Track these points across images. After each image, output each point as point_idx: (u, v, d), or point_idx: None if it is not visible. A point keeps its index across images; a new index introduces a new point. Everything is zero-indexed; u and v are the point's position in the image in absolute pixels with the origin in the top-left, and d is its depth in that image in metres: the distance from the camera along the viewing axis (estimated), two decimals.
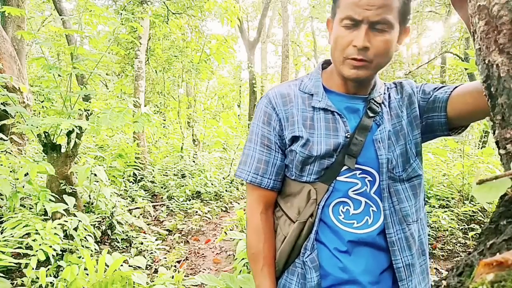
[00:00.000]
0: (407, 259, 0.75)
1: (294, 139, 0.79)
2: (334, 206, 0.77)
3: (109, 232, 3.02)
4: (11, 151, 3.16)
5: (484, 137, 5.97)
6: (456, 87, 0.76)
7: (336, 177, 0.77)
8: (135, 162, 4.31)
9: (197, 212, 4.08)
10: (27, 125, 2.30)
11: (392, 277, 0.76)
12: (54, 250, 1.92)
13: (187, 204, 4.35)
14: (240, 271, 2.11)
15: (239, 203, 4.66)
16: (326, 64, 0.88)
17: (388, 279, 0.76)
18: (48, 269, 2.03)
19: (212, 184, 5.02)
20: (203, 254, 3.11)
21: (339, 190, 0.77)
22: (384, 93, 0.83)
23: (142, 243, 2.94)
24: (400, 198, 0.76)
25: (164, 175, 5.40)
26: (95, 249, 2.42)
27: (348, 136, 0.76)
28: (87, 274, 1.74)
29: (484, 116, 0.74)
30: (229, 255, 3.08)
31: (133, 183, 4.62)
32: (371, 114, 0.78)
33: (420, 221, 0.81)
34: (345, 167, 0.76)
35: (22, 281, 1.88)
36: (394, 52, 0.75)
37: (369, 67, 0.73)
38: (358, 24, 0.70)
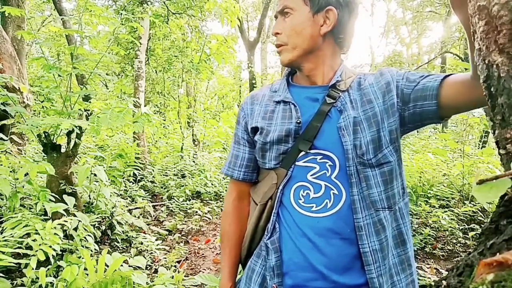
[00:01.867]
0: (374, 245, 0.75)
1: (254, 130, 0.89)
2: (295, 190, 0.81)
3: (109, 232, 3.02)
4: (11, 151, 3.16)
5: (484, 137, 5.97)
6: (446, 76, 0.75)
7: (294, 162, 0.81)
8: (135, 162, 4.30)
9: (197, 212, 4.08)
10: (27, 125, 2.29)
11: (360, 266, 0.76)
12: (54, 250, 1.92)
13: (187, 204, 4.35)
14: (240, 271, 2.11)
15: None
16: None
17: (356, 268, 0.76)
18: (48, 269, 2.03)
19: (212, 184, 5.02)
20: (203, 254, 3.11)
21: (298, 174, 0.81)
22: (353, 82, 0.84)
23: (142, 243, 2.94)
24: (370, 184, 0.77)
25: (164, 175, 5.40)
26: (95, 249, 2.42)
27: (299, 122, 0.81)
28: (87, 274, 1.74)
29: (476, 107, 0.75)
30: None
31: (133, 183, 4.62)
32: (329, 101, 0.81)
33: (399, 210, 0.81)
34: (303, 152, 0.81)
35: (22, 281, 1.87)
36: (319, 33, 0.81)
37: (287, 49, 0.83)
38: (277, 18, 0.86)
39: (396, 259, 0.79)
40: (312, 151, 0.80)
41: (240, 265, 0.99)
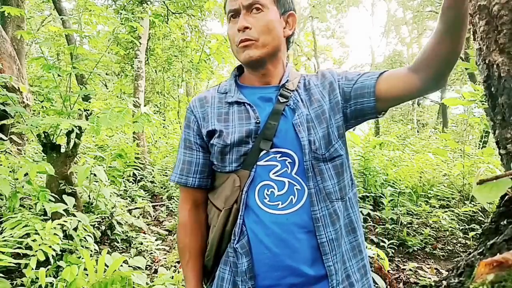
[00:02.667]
0: (330, 234, 0.79)
1: (211, 133, 0.85)
2: (259, 190, 0.81)
3: (108, 232, 3.01)
4: (11, 151, 3.16)
5: (484, 137, 5.97)
6: (382, 72, 0.83)
7: (256, 162, 0.81)
8: (135, 162, 4.30)
9: None
10: (26, 125, 2.29)
11: (320, 256, 0.79)
12: (54, 250, 1.92)
13: None
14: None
15: None
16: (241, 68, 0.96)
17: (319, 259, 0.79)
18: (48, 269, 2.02)
19: None
20: None
21: (260, 174, 0.81)
22: (299, 82, 0.89)
23: (142, 243, 2.94)
24: (324, 177, 0.81)
25: (164, 175, 5.40)
26: (94, 249, 2.42)
27: (258, 122, 0.82)
28: (87, 275, 1.74)
29: (411, 98, 0.83)
30: None
31: (133, 183, 4.62)
32: (282, 100, 0.84)
33: (349, 200, 0.86)
34: (264, 152, 0.81)
35: (22, 281, 1.87)
36: (283, 34, 0.85)
37: (257, 45, 0.81)
38: (238, 13, 0.82)
39: (347, 245, 0.84)
40: (272, 149, 0.81)
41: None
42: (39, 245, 1.89)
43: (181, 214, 0.92)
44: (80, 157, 3.77)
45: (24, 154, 3.78)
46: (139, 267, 2.24)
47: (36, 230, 1.96)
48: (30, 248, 1.90)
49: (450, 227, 3.17)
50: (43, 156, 2.87)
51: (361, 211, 3.23)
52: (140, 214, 3.75)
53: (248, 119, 0.83)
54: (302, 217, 0.78)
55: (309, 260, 0.78)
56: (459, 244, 3.05)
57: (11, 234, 1.91)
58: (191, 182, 0.88)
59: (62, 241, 2.05)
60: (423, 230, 3.20)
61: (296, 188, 0.80)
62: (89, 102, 6.38)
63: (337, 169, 0.83)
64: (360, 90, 0.83)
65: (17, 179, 2.30)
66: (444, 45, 0.72)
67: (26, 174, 2.21)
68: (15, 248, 1.89)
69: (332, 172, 0.82)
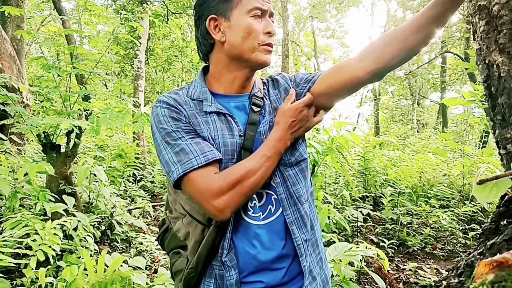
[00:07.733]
0: (304, 236, 0.82)
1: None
2: None
3: (108, 232, 3.02)
4: (11, 151, 3.16)
5: (484, 137, 5.97)
6: (320, 75, 0.85)
7: None
8: (134, 162, 4.30)
9: None
10: (26, 125, 2.29)
11: (293, 253, 0.82)
12: (54, 250, 1.92)
13: None
14: None
15: None
16: (206, 70, 0.91)
17: (291, 257, 0.82)
18: (48, 269, 2.02)
19: None
20: None
21: None
22: (264, 88, 0.90)
23: (141, 243, 2.94)
24: (293, 182, 0.83)
25: (164, 175, 5.40)
26: (94, 249, 2.42)
27: (241, 134, 0.81)
28: (87, 275, 1.74)
29: (348, 93, 0.83)
30: None
31: (132, 183, 4.62)
32: (256, 109, 0.84)
33: (308, 199, 0.88)
34: None
35: (22, 281, 1.87)
36: None
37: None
38: (264, 14, 0.80)
39: (309, 242, 0.86)
40: None
41: None
42: (39, 245, 1.89)
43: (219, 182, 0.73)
44: (80, 157, 3.77)
45: (24, 154, 3.78)
46: (139, 267, 2.24)
47: (36, 230, 1.96)
48: (30, 248, 1.90)
49: (450, 227, 3.17)
50: (43, 156, 2.87)
51: (361, 211, 3.24)
52: (140, 214, 3.75)
53: (231, 130, 0.80)
54: (282, 224, 0.81)
55: (291, 262, 0.81)
56: (459, 244, 3.05)
57: (11, 234, 1.91)
58: (218, 154, 0.75)
59: (62, 241, 2.05)
60: (423, 230, 3.20)
61: (274, 198, 0.82)
62: (89, 102, 6.39)
63: (303, 172, 0.86)
64: (304, 95, 0.85)
65: (17, 179, 2.30)
66: (414, 38, 0.73)
67: (26, 174, 2.21)
68: (15, 248, 1.89)
69: (300, 176, 0.84)
